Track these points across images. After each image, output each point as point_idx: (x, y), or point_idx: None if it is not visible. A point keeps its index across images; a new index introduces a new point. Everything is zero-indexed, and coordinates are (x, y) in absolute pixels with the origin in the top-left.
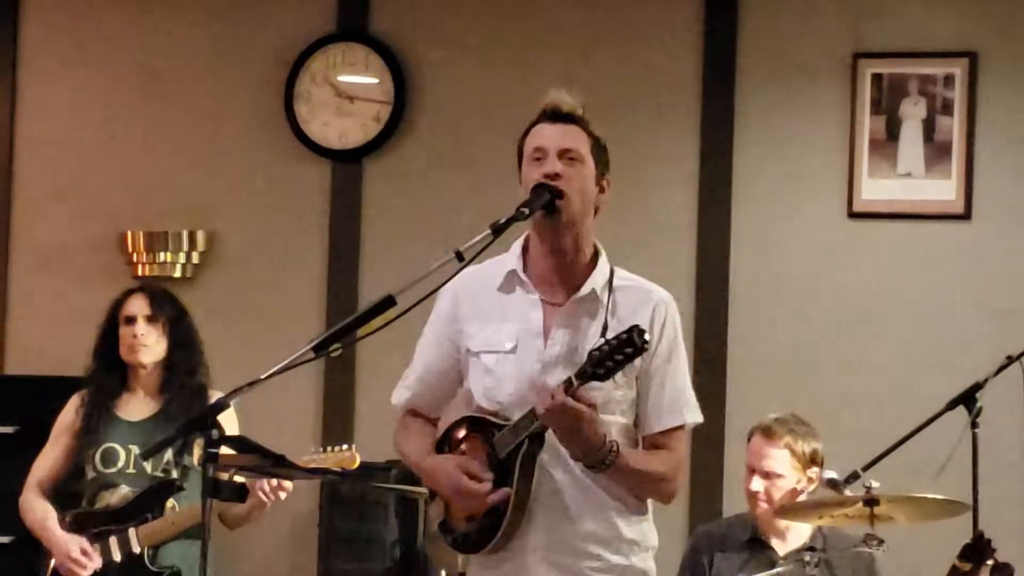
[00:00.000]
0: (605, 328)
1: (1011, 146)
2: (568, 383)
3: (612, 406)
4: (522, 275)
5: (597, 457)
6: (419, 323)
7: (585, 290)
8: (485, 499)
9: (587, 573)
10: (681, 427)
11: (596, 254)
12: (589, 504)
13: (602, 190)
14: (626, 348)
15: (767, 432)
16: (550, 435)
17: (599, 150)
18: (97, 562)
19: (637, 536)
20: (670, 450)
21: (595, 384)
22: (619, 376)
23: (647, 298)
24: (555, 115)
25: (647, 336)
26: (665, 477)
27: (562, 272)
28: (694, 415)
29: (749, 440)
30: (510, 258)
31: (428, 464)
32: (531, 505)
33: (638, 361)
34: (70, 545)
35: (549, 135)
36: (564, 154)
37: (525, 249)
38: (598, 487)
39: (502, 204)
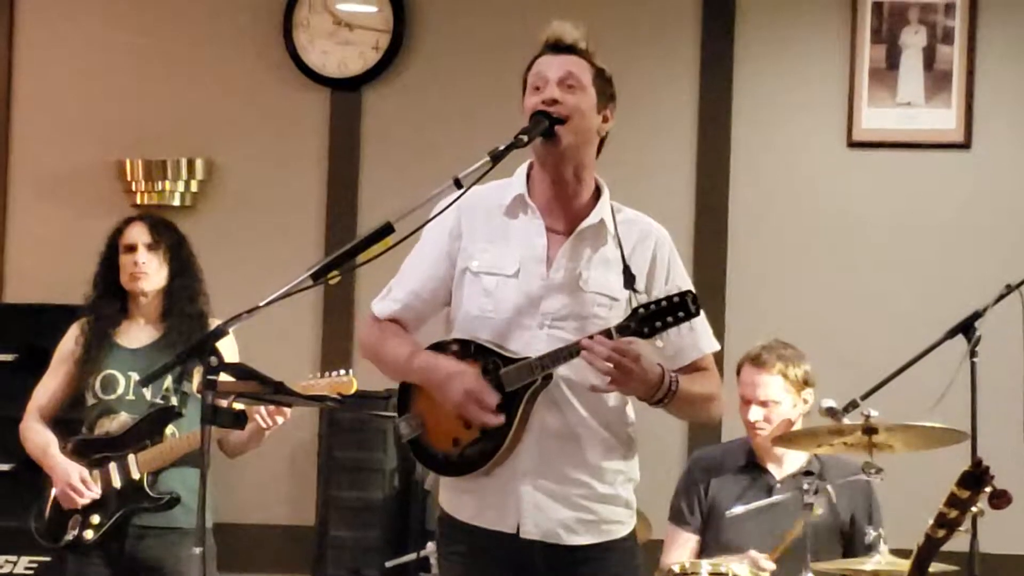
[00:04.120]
0: (627, 270)
1: (1011, 75)
2: (607, 335)
3: None
4: (528, 200)
5: (661, 393)
6: None
7: (593, 219)
8: (493, 411)
9: (575, 500)
10: (708, 353)
11: (598, 188)
12: (585, 436)
13: (605, 120)
14: (678, 312)
15: (757, 361)
16: (556, 373)
17: (602, 81)
18: (95, 492)
19: (623, 467)
20: (709, 370)
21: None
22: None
23: (647, 233)
24: (557, 46)
25: (699, 303)
26: (714, 396)
27: (565, 203)
28: (716, 341)
29: (739, 372)
30: (516, 182)
31: (424, 360)
32: (525, 434)
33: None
34: (71, 472)
35: (551, 64)
36: (564, 80)
37: (529, 176)
38: (595, 421)
39: (501, 132)
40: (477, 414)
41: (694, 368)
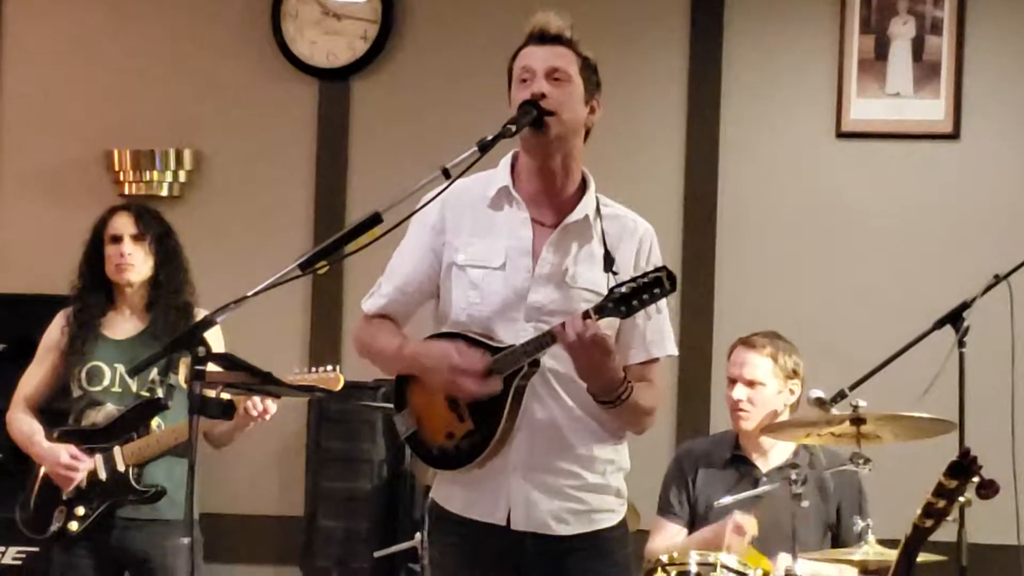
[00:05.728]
0: (607, 256)
1: (999, 66)
2: (586, 316)
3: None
4: (513, 192)
5: (615, 393)
6: None
7: (578, 215)
8: (481, 381)
9: (567, 491)
10: (659, 359)
11: (584, 181)
12: (574, 428)
13: (592, 110)
14: (654, 289)
15: (749, 343)
16: (545, 361)
17: (588, 70)
18: (88, 463)
19: (614, 456)
20: (651, 382)
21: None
22: None
23: (633, 229)
24: (543, 37)
25: (675, 279)
26: (653, 411)
27: (551, 195)
28: (673, 347)
29: (730, 354)
30: (500, 174)
31: (413, 347)
32: (517, 426)
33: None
34: (59, 453)
35: (537, 56)
36: (551, 74)
37: (513, 167)
38: (584, 413)
39: (489, 122)
40: (469, 382)
41: (641, 374)
